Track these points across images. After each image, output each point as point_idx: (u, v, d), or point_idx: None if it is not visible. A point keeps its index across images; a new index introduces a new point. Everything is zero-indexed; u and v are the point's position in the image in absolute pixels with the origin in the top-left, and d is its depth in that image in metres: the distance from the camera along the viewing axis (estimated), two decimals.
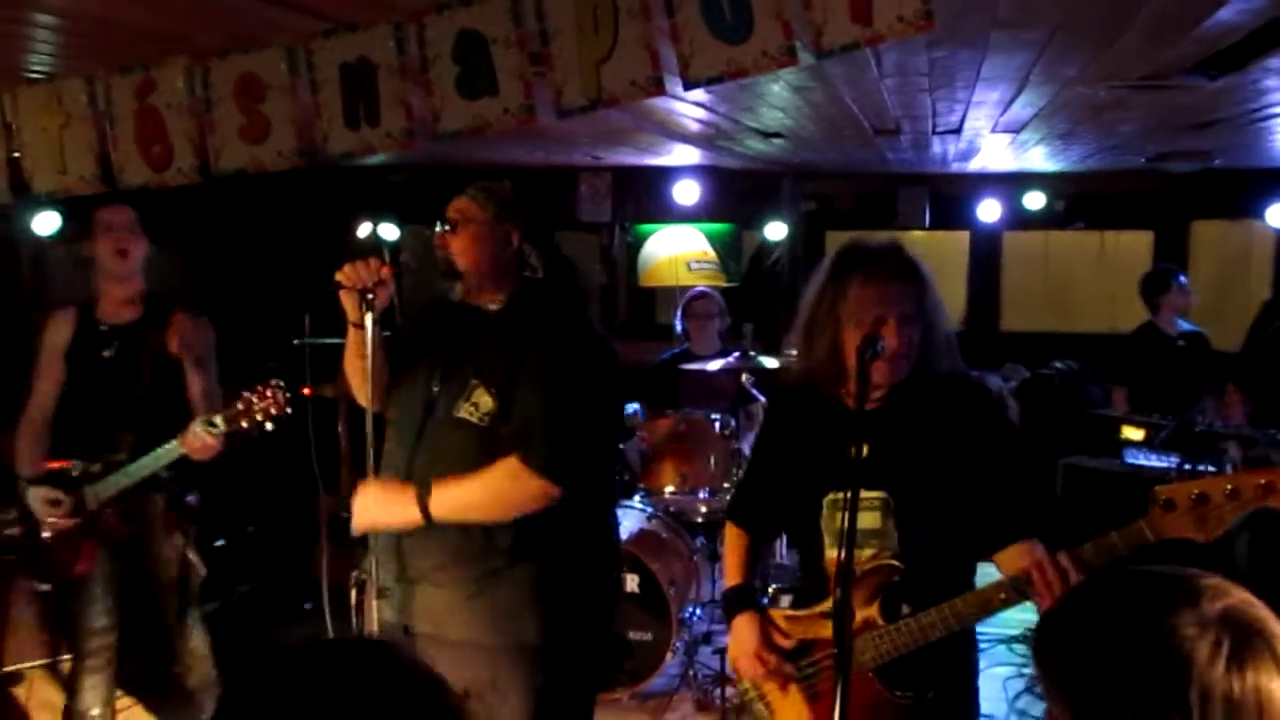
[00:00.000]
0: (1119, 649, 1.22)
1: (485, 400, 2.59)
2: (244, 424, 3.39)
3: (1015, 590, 2.22)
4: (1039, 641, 1.32)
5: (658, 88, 1.90)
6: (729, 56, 1.85)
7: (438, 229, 2.69)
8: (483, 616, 2.63)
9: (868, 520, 2.41)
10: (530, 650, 2.64)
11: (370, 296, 2.56)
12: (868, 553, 2.41)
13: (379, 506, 2.61)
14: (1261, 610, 1.22)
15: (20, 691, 4.78)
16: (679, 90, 1.95)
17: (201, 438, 3.48)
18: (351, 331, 2.67)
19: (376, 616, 2.64)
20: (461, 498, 2.56)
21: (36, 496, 3.75)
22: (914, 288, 2.37)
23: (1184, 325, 6.20)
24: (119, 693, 4.62)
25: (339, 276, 2.57)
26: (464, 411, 2.61)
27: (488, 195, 2.69)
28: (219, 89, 2.17)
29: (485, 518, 2.59)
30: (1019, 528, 2.38)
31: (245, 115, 2.13)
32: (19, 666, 4.86)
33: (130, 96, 2.23)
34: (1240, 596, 1.23)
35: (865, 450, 2.38)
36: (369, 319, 2.57)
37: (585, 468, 2.64)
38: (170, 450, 3.55)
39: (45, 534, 3.73)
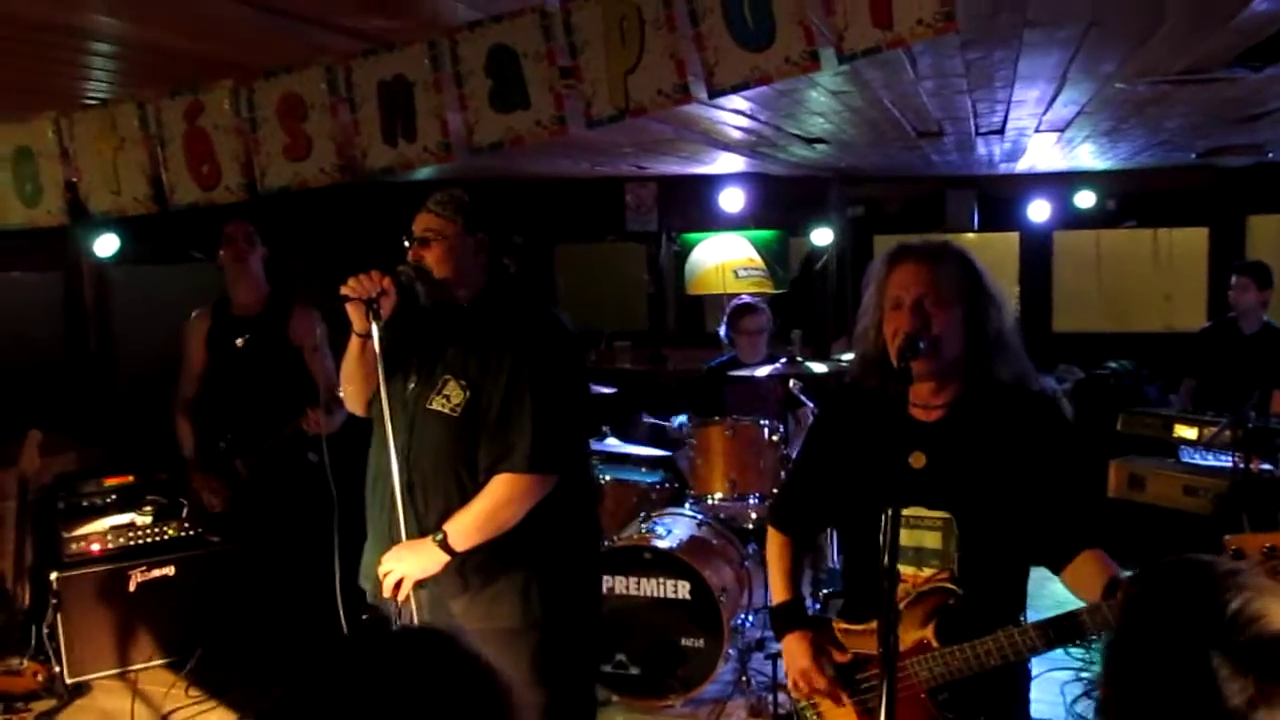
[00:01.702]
0: (1159, 680, 1.23)
1: (456, 392, 2.76)
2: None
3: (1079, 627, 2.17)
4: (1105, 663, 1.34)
5: (684, 96, 1.94)
6: (753, 64, 1.89)
7: (410, 245, 2.83)
8: (470, 603, 2.78)
9: (930, 540, 2.39)
10: (516, 633, 2.77)
11: (375, 306, 2.67)
12: (927, 572, 2.39)
13: (408, 566, 2.73)
14: None
15: (88, 703, 4.90)
16: (704, 98, 1.98)
17: (316, 419, 4.26)
18: (357, 341, 2.79)
19: (415, 609, 2.74)
20: (475, 524, 2.72)
21: (198, 480, 4.71)
22: (937, 271, 2.35)
23: (1270, 322, 6.05)
24: (199, 693, 4.81)
25: (344, 289, 2.69)
26: (436, 404, 2.77)
27: (455, 209, 2.82)
28: (263, 109, 2.24)
29: (505, 528, 2.74)
30: (1083, 538, 2.33)
31: (288, 134, 2.20)
32: (88, 678, 4.98)
33: (180, 119, 2.32)
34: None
35: (924, 461, 2.39)
36: (375, 329, 2.67)
37: (568, 450, 2.80)
38: (294, 426, 4.39)
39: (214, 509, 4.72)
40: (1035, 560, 2.45)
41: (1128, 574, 2.13)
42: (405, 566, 2.72)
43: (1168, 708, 1.21)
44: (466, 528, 2.71)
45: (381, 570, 2.75)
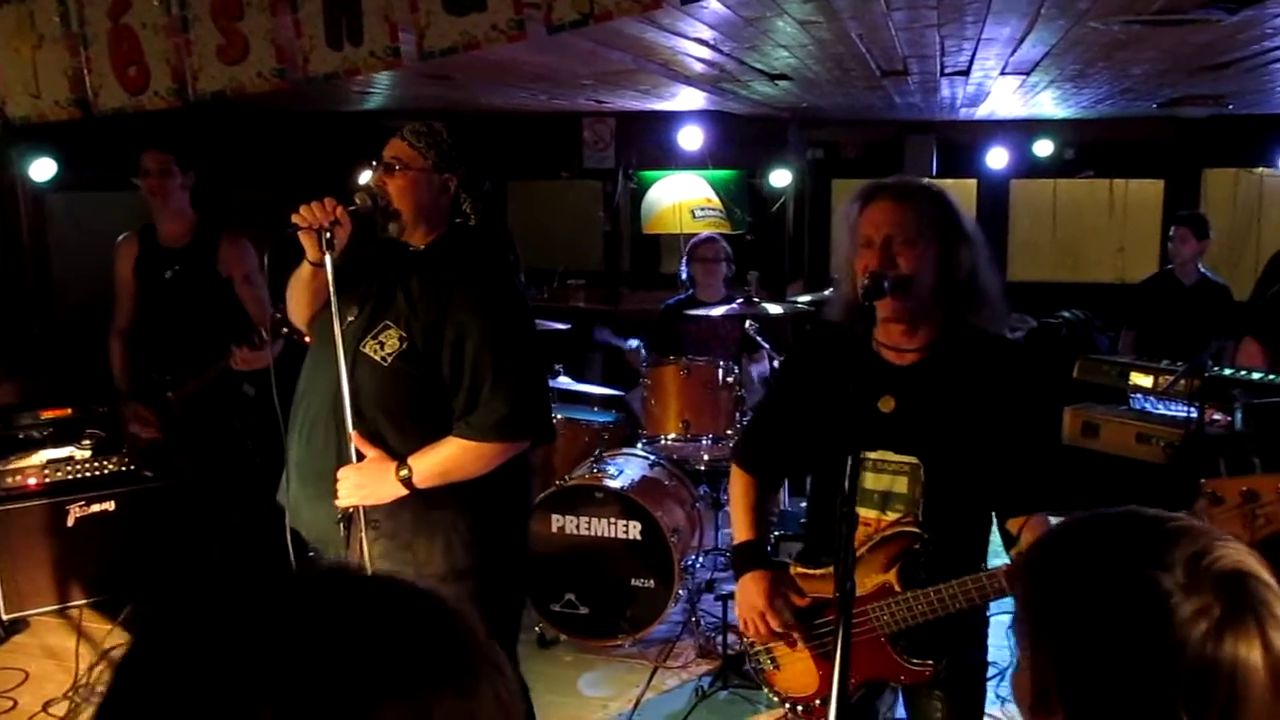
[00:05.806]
0: (1104, 600, 1.15)
1: (391, 341, 2.66)
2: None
3: None
4: (1025, 580, 1.25)
5: (653, 1, 1.82)
6: None
7: (375, 171, 2.70)
8: (401, 549, 2.70)
9: (897, 484, 2.37)
10: (446, 576, 2.69)
11: (329, 235, 2.57)
12: (891, 516, 2.37)
13: (364, 491, 2.64)
14: (1260, 577, 1.13)
15: (26, 639, 4.77)
16: (676, 2, 1.87)
17: (243, 356, 4.21)
18: (310, 269, 2.69)
19: (367, 551, 2.63)
20: (441, 465, 2.65)
21: (128, 414, 4.62)
22: (907, 209, 2.30)
23: (1207, 274, 6.14)
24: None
25: (295, 218, 2.58)
26: (369, 348, 2.67)
27: (428, 143, 2.69)
28: (195, 7, 2.08)
29: (467, 477, 2.67)
30: (1035, 500, 2.33)
31: (223, 34, 2.05)
32: (26, 614, 4.85)
33: (104, 16, 2.14)
34: (1237, 558, 1.14)
35: (893, 405, 2.33)
36: (328, 258, 2.58)
37: (540, 410, 2.74)
38: (220, 365, 4.29)
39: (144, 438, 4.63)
40: (995, 508, 2.44)
41: None
42: (364, 494, 2.63)
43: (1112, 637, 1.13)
44: (431, 467, 2.63)
45: (340, 496, 2.65)
